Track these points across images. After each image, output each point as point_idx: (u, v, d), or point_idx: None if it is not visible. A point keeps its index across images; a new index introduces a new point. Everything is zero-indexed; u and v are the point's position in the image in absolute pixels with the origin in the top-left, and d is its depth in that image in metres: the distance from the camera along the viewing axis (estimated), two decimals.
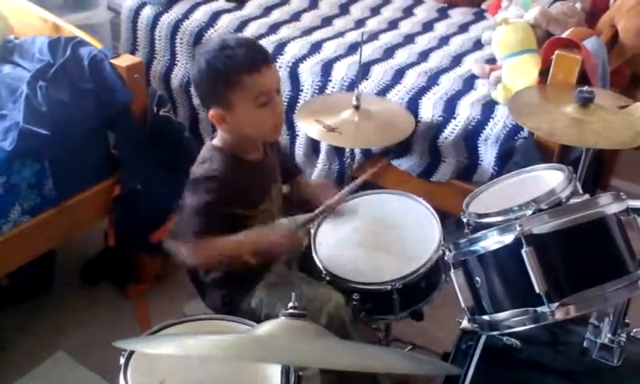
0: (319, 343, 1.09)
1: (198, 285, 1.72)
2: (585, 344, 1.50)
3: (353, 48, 2.55)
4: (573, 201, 1.40)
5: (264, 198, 1.65)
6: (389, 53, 2.58)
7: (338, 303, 1.59)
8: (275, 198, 1.70)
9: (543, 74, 2.15)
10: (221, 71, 1.50)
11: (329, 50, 2.56)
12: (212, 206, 1.53)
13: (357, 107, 2.10)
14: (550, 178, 1.52)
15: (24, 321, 2.23)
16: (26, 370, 2.07)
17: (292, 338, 1.08)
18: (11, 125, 1.99)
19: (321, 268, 1.70)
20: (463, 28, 2.80)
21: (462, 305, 1.40)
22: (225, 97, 1.52)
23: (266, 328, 1.12)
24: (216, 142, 1.62)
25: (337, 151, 2.47)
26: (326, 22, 2.80)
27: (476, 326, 1.40)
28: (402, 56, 2.56)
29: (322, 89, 2.47)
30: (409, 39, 2.69)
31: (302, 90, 2.50)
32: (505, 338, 1.48)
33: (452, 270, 1.40)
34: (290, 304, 1.11)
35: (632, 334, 1.53)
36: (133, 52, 2.81)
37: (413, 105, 2.34)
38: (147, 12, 2.79)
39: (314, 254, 1.73)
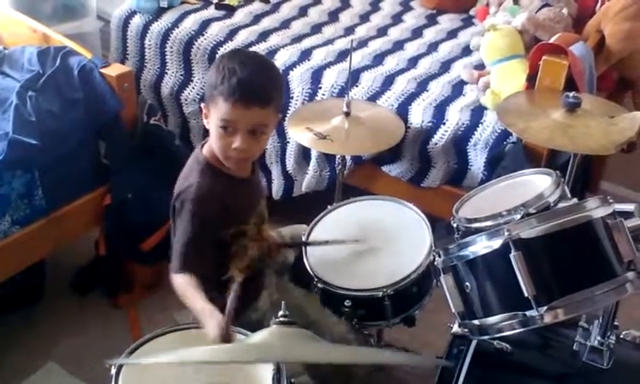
0: (312, 344, 1.13)
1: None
2: (574, 347, 1.51)
3: (342, 55, 2.55)
4: (561, 205, 1.41)
5: (251, 216, 1.60)
6: (378, 59, 2.59)
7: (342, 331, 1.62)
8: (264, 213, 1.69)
9: (531, 79, 2.17)
10: (213, 80, 1.52)
11: (318, 57, 2.57)
12: (197, 235, 1.50)
13: (347, 114, 2.11)
14: (538, 183, 1.53)
15: (14, 331, 2.22)
16: (17, 382, 2.06)
17: (285, 341, 1.12)
18: (0, 135, 1.98)
19: (312, 275, 1.71)
20: (452, 34, 2.82)
21: (453, 310, 1.41)
22: (208, 101, 1.55)
23: (259, 335, 1.15)
24: (205, 151, 1.59)
25: (328, 158, 2.47)
26: (316, 29, 2.80)
27: (466, 330, 1.41)
28: (392, 62, 2.57)
29: (312, 96, 2.48)
30: (398, 46, 2.71)
31: (292, 98, 2.50)
32: (495, 342, 1.48)
33: (442, 275, 1.41)
34: (281, 312, 1.13)
35: (621, 336, 1.54)
36: (123, 61, 2.80)
37: (402, 111, 2.35)
38: (137, 21, 2.79)
39: (305, 262, 1.73)
